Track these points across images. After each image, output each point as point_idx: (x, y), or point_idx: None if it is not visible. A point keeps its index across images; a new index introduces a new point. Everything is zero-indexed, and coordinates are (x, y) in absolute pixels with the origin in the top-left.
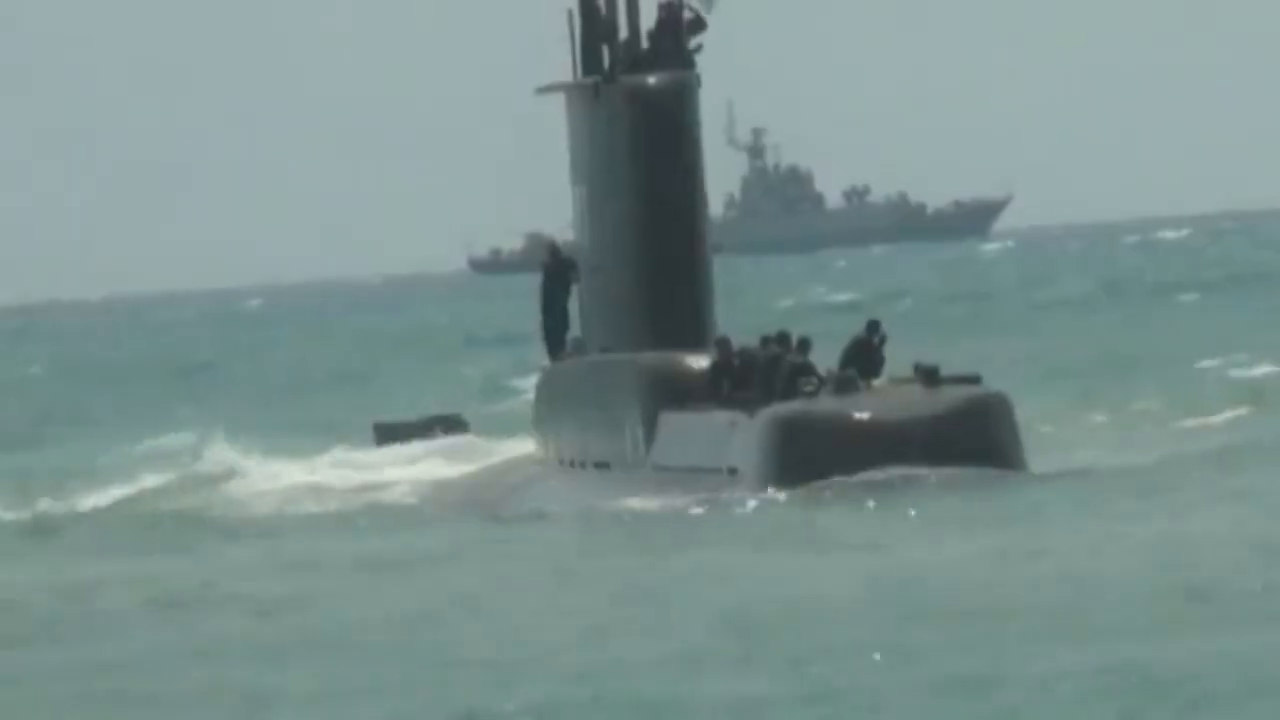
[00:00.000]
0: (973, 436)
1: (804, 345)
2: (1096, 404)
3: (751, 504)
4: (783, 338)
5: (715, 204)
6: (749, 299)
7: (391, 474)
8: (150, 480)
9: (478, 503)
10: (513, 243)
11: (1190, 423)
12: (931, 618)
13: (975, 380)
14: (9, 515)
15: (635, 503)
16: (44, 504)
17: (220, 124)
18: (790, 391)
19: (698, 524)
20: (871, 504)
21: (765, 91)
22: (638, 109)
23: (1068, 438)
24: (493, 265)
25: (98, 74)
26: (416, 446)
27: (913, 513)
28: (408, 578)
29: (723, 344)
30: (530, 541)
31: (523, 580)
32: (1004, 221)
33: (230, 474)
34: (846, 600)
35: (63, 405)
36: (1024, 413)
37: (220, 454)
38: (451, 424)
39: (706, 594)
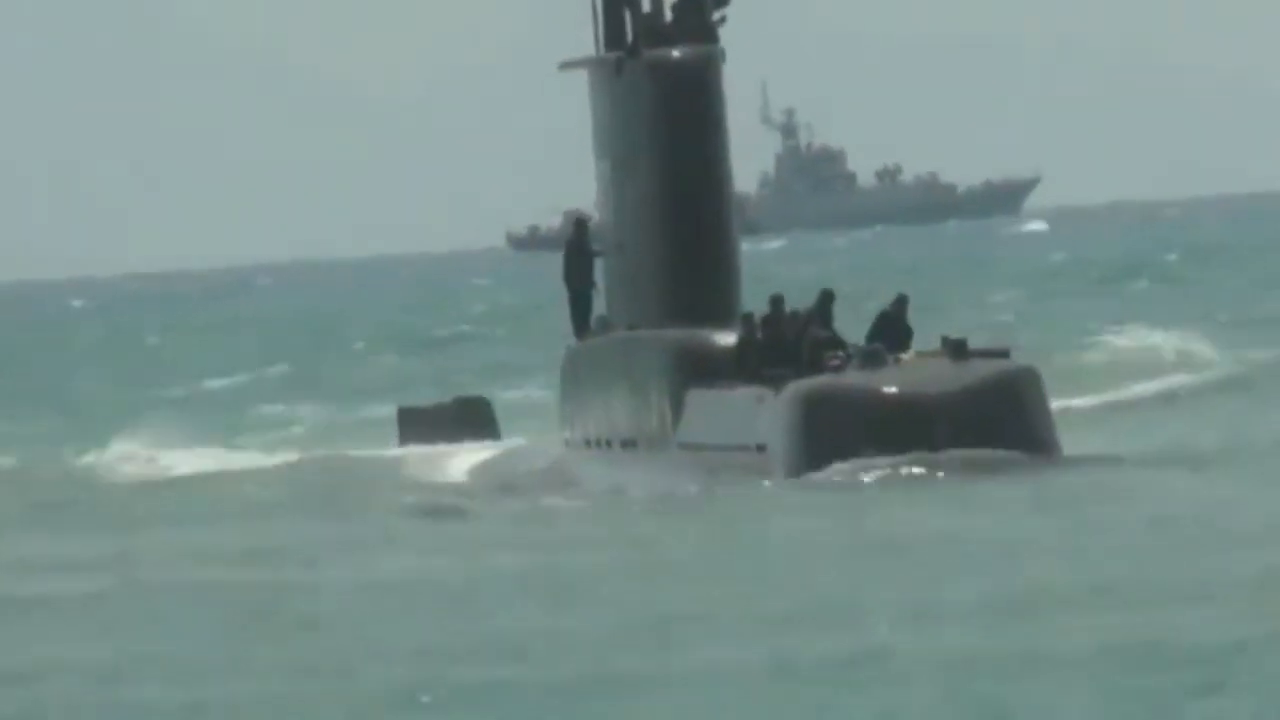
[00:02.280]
0: (1000, 411)
1: (826, 299)
2: None
3: (781, 481)
4: (775, 301)
5: (749, 183)
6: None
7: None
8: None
9: (513, 487)
10: (550, 220)
11: None
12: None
13: (1004, 354)
14: None
15: (662, 482)
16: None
17: (255, 106)
18: (817, 365)
19: (725, 502)
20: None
21: (798, 72)
22: (660, 83)
23: None
24: (530, 243)
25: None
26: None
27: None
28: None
29: (748, 320)
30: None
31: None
32: (1032, 201)
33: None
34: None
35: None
36: None
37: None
38: (476, 407)
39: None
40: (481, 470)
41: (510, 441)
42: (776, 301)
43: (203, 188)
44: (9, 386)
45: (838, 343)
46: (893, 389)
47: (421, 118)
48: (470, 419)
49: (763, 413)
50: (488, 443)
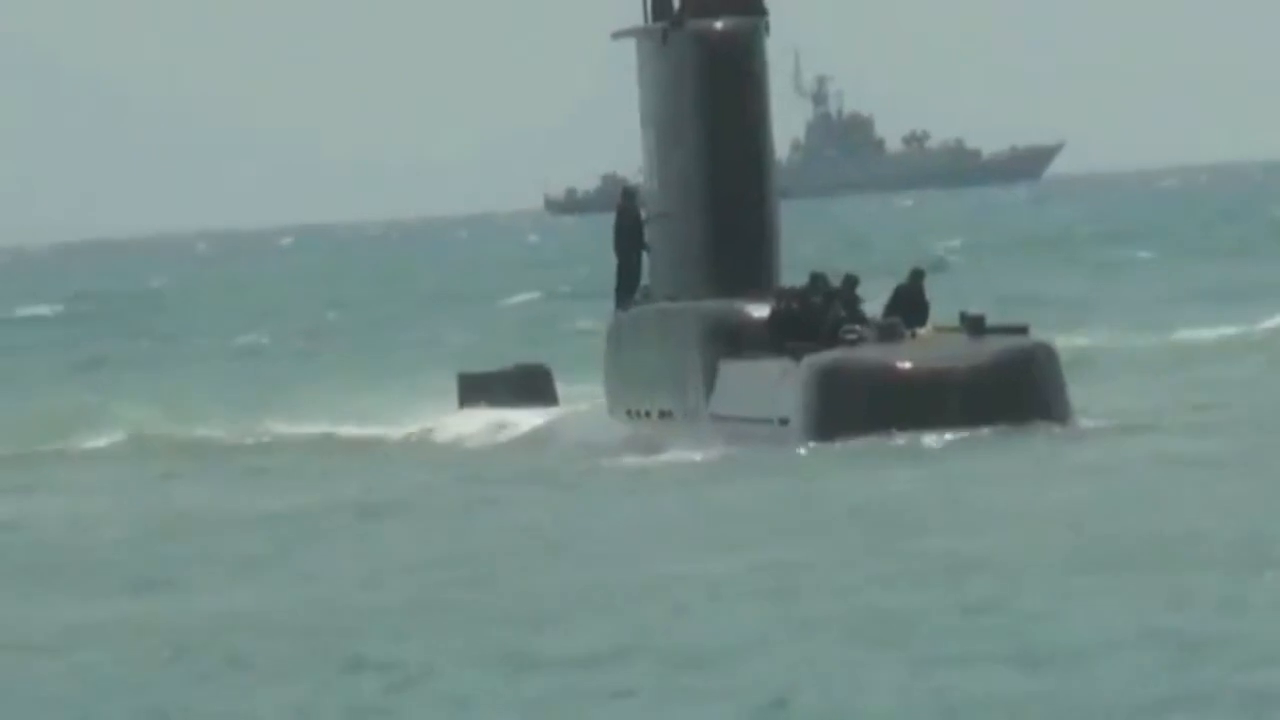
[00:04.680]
0: (1016, 386)
1: (849, 283)
2: None
3: (800, 452)
4: (815, 278)
5: (780, 149)
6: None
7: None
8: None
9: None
10: (588, 183)
11: None
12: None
13: (1023, 330)
14: None
15: (689, 454)
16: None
17: (298, 68)
18: (835, 339)
19: (742, 469)
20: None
21: (830, 41)
22: (704, 54)
23: None
24: (568, 205)
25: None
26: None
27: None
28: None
29: (782, 293)
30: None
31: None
32: (1054, 167)
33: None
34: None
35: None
36: None
37: None
38: (535, 373)
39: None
40: (511, 446)
41: (563, 410)
42: (816, 278)
43: (229, 155)
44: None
45: (859, 314)
46: (907, 364)
47: (463, 78)
48: (530, 386)
49: (785, 385)
50: (544, 410)
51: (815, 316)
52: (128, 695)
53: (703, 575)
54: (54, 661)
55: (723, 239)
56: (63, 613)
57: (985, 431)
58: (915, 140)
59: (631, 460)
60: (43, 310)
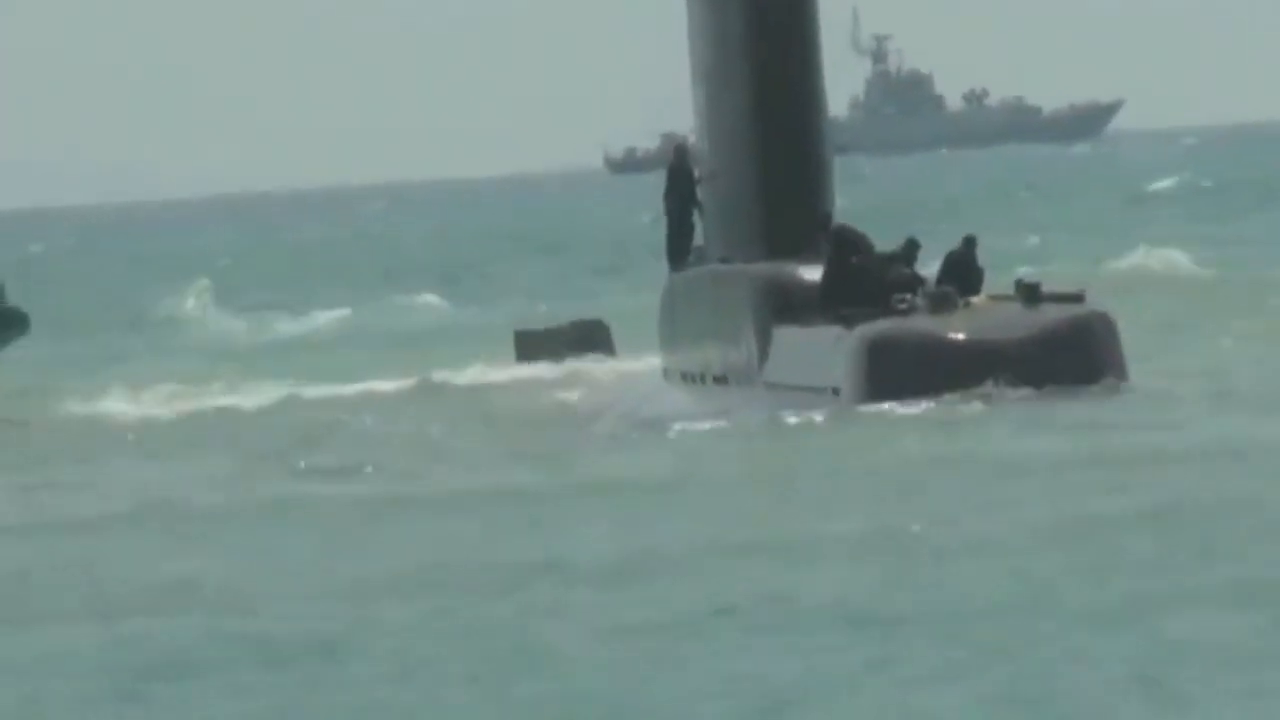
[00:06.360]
0: (1073, 358)
1: (909, 248)
2: None
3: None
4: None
5: (839, 106)
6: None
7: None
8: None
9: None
10: (648, 142)
11: None
12: None
13: (1079, 298)
14: None
15: (742, 421)
16: None
17: (355, 27)
18: (887, 307)
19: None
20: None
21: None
22: (754, 10)
23: None
24: (628, 165)
25: None
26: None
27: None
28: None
29: (840, 234)
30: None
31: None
32: (1114, 124)
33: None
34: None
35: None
36: None
37: None
38: (593, 329)
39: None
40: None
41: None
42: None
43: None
44: None
45: (916, 281)
46: (959, 334)
47: (520, 37)
48: (587, 342)
49: (836, 354)
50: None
51: (871, 280)
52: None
53: (833, 535)
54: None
55: (773, 198)
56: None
57: (1041, 399)
58: (974, 98)
59: (694, 426)
60: None
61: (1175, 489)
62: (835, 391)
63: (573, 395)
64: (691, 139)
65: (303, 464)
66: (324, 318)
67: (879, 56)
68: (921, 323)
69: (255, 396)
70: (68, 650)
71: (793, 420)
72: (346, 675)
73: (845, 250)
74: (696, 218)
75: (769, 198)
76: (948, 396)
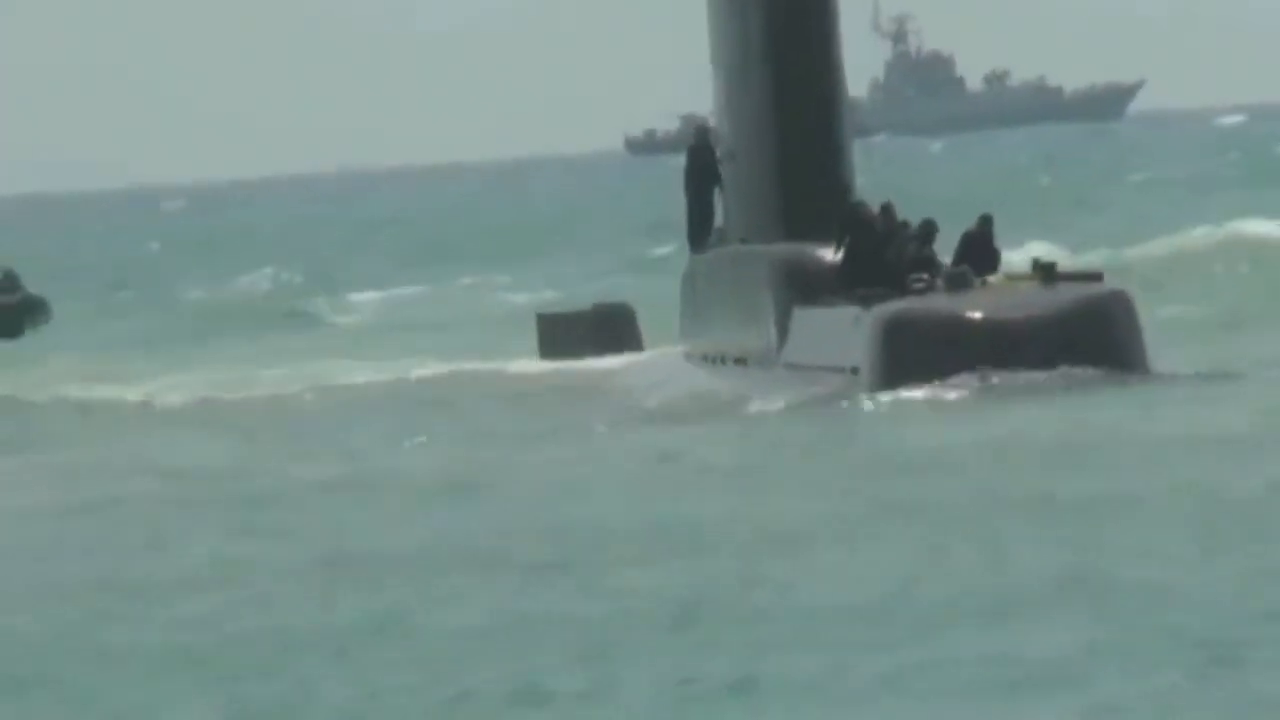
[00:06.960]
0: (1091, 338)
1: (927, 228)
2: None
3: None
4: (885, 209)
5: (859, 88)
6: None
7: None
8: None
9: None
10: (668, 124)
11: None
12: None
13: (1097, 278)
14: None
15: (761, 404)
16: None
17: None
18: (904, 287)
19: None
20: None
21: None
22: None
23: None
24: (648, 146)
25: None
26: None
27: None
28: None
29: (853, 213)
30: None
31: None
32: (1135, 105)
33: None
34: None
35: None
36: None
37: None
38: (616, 313)
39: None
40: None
41: (647, 355)
42: (886, 209)
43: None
44: None
45: (931, 260)
46: (977, 314)
47: (539, 20)
48: (611, 326)
49: (856, 334)
50: (627, 354)
51: (886, 261)
52: None
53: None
54: None
55: (793, 181)
56: None
57: (1064, 378)
58: (996, 79)
59: (720, 408)
60: None
61: (1211, 472)
62: (854, 371)
63: (598, 376)
64: (712, 120)
65: (348, 445)
66: (356, 299)
67: (899, 38)
68: (938, 302)
69: (268, 386)
70: (84, 628)
71: (813, 401)
72: (408, 649)
73: (859, 231)
74: (717, 199)
75: (788, 179)
76: (968, 379)
